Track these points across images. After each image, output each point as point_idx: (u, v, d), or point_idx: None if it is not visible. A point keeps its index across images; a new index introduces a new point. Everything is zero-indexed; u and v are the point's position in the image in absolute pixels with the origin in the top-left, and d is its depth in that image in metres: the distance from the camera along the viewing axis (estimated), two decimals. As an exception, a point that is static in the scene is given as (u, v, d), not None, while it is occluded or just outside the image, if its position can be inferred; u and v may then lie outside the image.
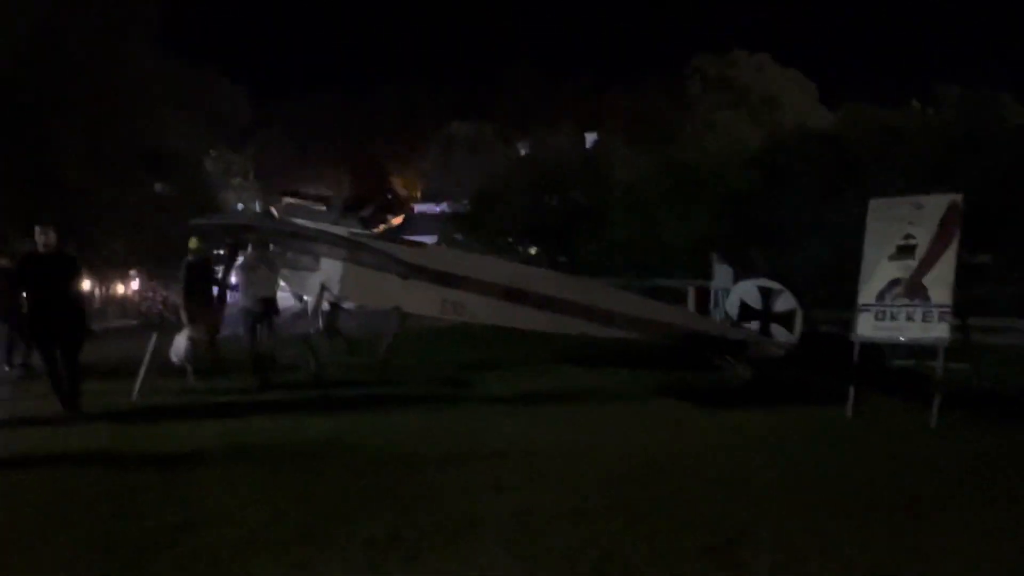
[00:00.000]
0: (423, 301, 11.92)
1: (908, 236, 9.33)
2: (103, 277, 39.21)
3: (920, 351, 10.02)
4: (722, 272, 17.53)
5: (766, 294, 12.20)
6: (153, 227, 34.60)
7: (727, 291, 18.15)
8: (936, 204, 9.23)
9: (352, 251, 11.41)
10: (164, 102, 36.74)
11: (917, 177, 14.31)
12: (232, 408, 10.02)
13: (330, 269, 11.94)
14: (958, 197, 9.10)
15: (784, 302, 12.13)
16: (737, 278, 17.83)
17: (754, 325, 12.09)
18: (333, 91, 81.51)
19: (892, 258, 9.43)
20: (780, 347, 11.83)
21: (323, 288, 11.93)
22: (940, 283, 9.00)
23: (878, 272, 9.52)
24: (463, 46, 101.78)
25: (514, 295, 11.85)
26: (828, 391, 10.77)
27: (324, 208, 64.59)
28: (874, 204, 9.77)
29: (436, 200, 59.96)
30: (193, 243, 12.43)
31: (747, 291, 12.28)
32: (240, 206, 61.36)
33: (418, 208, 75.45)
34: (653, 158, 23.34)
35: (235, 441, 8.26)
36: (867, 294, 9.58)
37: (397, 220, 74.26)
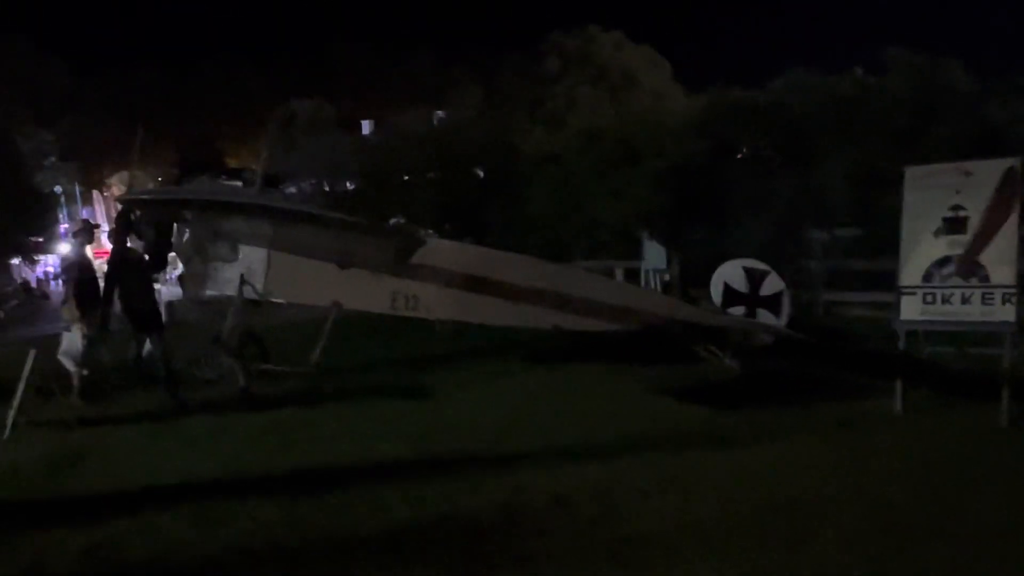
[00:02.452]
0: (368, 295, 9.97)
1: (957, 207, 8.21)
2: None
3: (960, 337, 8.89)
4: (653, 251, 16.48)
5: (752, 275, 11.02)
6: None
7: (658, 271, 17.26)
8: (989, 171, 8.20)
9: (338, 232, 9.63)
10: None
11: (875, 146, 13.59)
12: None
13: (252, 259, 9.72)
14: (1016, 162, 8.00)
15: (771, 284, 11.01)
16: (670, 258, 16.91)
17: (739, 310, 10.96)
18: (155, 66, 75.29)
19: (939, 233, 8.32)
20: (771, 333, 10.70)
21: (243, 282, 9.64)
22: (1001, 260, 7.94)
23: (922, 249, 8.42)
24: (292, 20, 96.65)
25: (477, 285, 10.05)
26: (830, 382, 9.87)
27: (240, 184, 59.29)
28: (911, 172, 8.70)
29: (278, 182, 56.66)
30: (77, 225, 9.86)
31: (731, 273, 11.02)
32: (58, 189, 55.67)
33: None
34: (562, 129, 22.14)
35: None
36: (911, 275, 8.52)
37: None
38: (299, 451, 7.29)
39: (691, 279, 15.83)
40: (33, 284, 49.64)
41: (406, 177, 22.31)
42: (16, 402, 8.17)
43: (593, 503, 5.84)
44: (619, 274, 16.84)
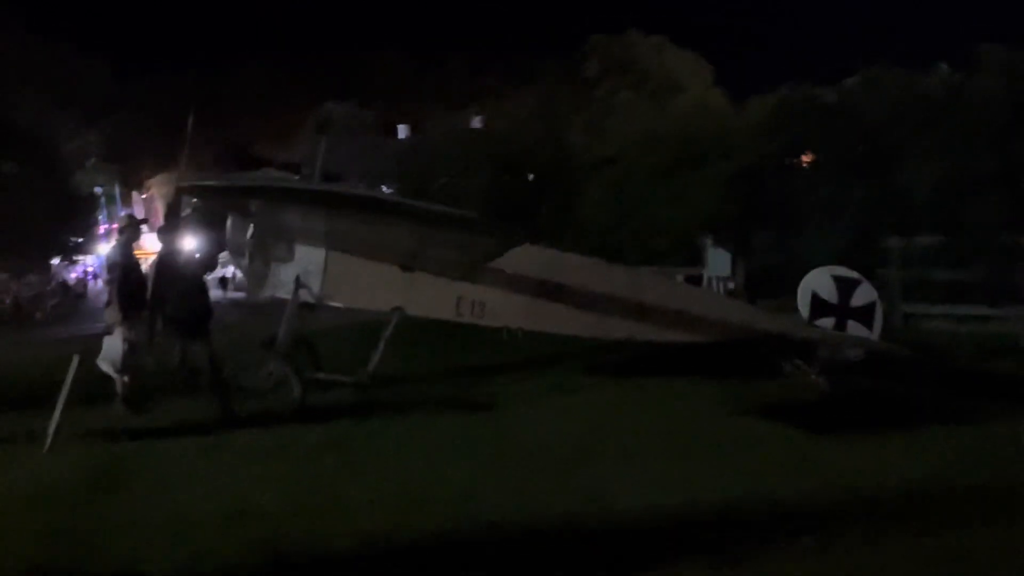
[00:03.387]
0: (432, 301, 9.21)
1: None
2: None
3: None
4: (717, 257, 15.64)
5: (842, 285, 10.11)
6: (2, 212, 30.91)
7: (722, 279, 16.38)
8: None
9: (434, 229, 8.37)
10: (13, 74, 32.24)
11: (965, 149, 12.61)
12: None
13: (308, 260, 8.98)
14: None
15: (864, 294, 10.11)
16: (735, 264, 16.03)
17: (828, 321, 10.07)
18: (195, 71, 75.33)
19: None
20: (864, 348, 9.81)
21: (299, 284, 8.90)
22: None
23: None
24: (329, 27, 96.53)
25: (550, 291, 9.26)
26: (933, 404, 8.85)
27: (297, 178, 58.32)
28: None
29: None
30: (123, 221, 9.11)
31: (820, 281, 10.13)
32: (98, 190, 55.70)
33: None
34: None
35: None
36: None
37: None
38: (364, 473, 6.51)
39: (757, 287, 15.02)
40: (72, 284, 49.70)
41: (444, 180, 21.45)
42: (57, 411, 7.46)
43: (710, 545, 5.03)
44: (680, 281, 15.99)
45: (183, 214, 9.29)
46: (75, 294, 46.30)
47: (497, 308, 9.27)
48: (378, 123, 69.14)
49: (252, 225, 8.82)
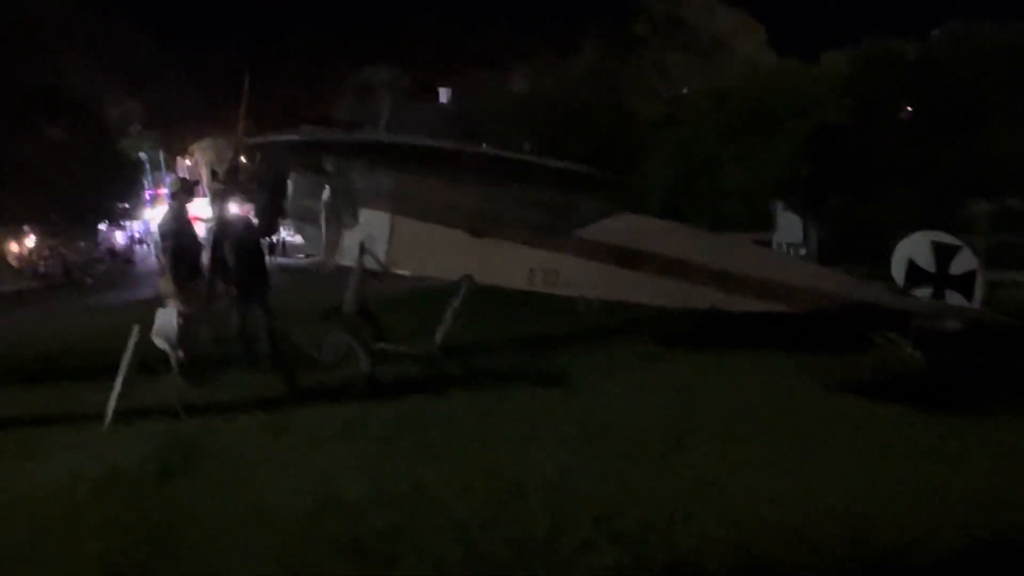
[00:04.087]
0: (503, 269, 8.64)
1: None
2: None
3: None
4: (788, 222, 14.91)
5: (942, 251, 9.36)
6: (50, 178, 30.85)
7: (792, 244, 15.61)
8: None
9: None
10: (58, 39, 32.04)
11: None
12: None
13: (372, 225, 8.42)
14: None
15: (963, 261, 9.35)
16: (807, 229, 15.28)
17: (925, 291, 9.35)
18: (237, 37, 74.93)
19: None
20: (964, 319, 9.08)
21: (363, 251, 8.36)
22: None
23: None
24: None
25: (628, 258, 8.63)
26: None
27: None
28: None
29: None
30: (175, 184, 8.53)
31: (917, 248, 9.39)
32: (143, 155, 55.76)
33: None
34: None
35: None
36: None
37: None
38: (445, 457, 5.95)
39: (830, 253, 14.24)
40: (119, 249, 49.95)
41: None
42: (117, 387, 7.02)
43: (845, 544, 4.45)
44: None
45: (215, 179, 8.72)
46: (123, 259, 46.48)
47: (572, 277, 8.67)
48: (417, 87, 68.30)
49: (323, 187, 8.26)
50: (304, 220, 8.59)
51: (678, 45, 43.71)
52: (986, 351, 9.11)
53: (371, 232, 8.48)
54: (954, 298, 9.30)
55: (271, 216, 8.95)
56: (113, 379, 7.24)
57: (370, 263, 8.48)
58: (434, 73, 70.43)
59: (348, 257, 8.53)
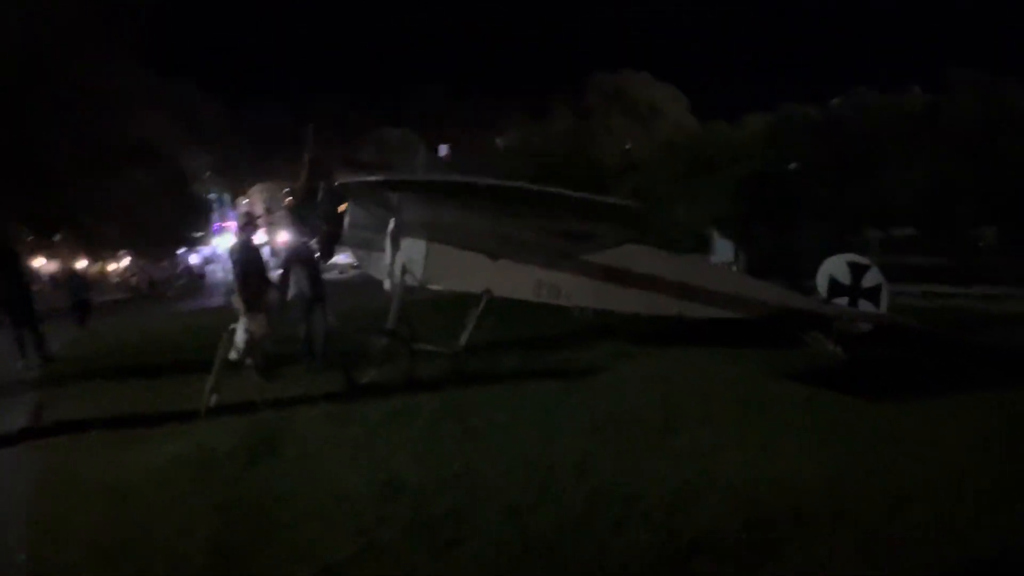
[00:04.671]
0: (515, 283, 8.18)
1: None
2: (96, 257, 33.74)
3: None
4: (722, 246, 14.59)
5: (856, 269, 9.05)
6: (139, 213, 30.55)
7: (727, 264, 15.28)
8: None
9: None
10: (147, 106, 31.54)
11: (942, 158, 11.50)
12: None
13: (412, 249, 7.92)
14: None
15: (872, 277, 9.04)
16: (737, 252, 14.95)
17: (843, 300, 9.02)
18: (284, 102, 74.09)
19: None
20: (878, 322, 8.77)
21: (404, 271, 7.86)
22: None
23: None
24: (382, 68, 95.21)
25: (615, 275, 8.21)
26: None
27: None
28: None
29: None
30: (242, 219, 7.93)
31: (837, 267, 9.07)
32: (212, 196, 54.57)
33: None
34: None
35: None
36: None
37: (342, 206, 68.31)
38: (485, 441, 5.43)
39: (756, 271, 13.95)
40: (193, 268, 48.88)
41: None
42: (211, 381, 6.48)
43: (830, 516, 4.02)
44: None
45: (267, 214, 8.17)
46: (196, 276, 45.52)
47: (570, 290, 8.24)
48: (424, 143, 67.62)
49: (381, 219, 7.70)
50: (357, 246, 8.10)
51: (621, 111, 43.75)
52: (890, 346, 8.85)
53: (411, 255, 7.98)
54: (865, 306, 9.00)
55: (330, 242, 8.43)
56: (198, 373, 6.72)
57: (410, 280, 8.00)
58: (436, 132, 69.99)
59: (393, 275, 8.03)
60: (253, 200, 63.47)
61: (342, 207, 8.48)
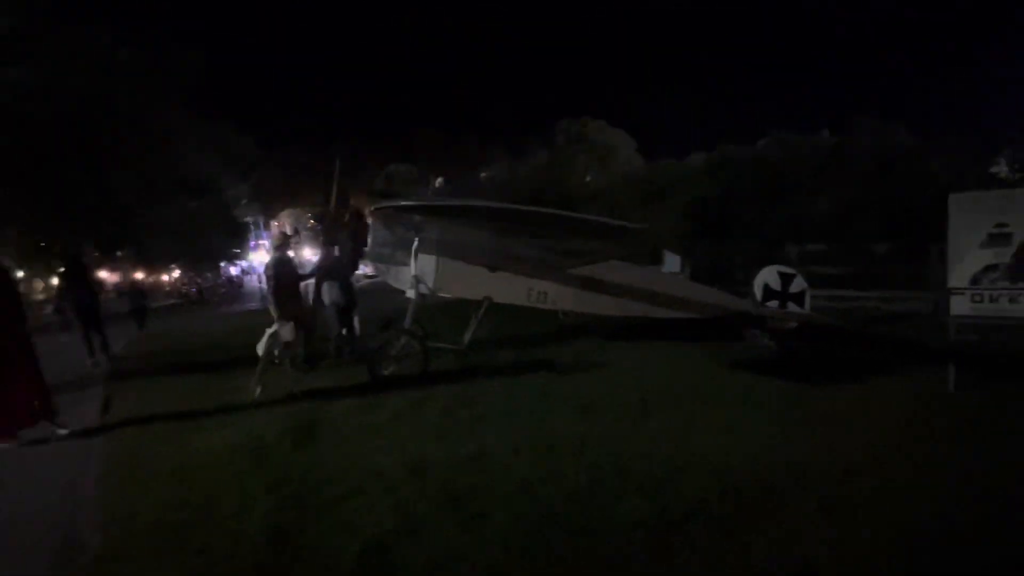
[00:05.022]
0: (510, 291, 7.91)
1: (1001, 225, 6.11)
2: (153, 270, 32.93)
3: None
4: (671, 259, 14.42)
5: (785, 277, 8.95)
6: (189, 233, 30.33)
7: (675, 274, 15.14)
8: (1032, 196, 6.05)
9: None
10: (194, 144, 31.05)
11: (847, 186, 11.55)
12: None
13: (424, 263, 7.64)
14: (1057, 189, 5.94)
15: (798, 283, 8.94)
16: (683, 264, 14.82)
17: (775, 303, 8.91)
18: (306, 140, 73.17)
19: (984, 245, 6.18)
20: (803, 321, 8.67)
21: (418, 281, 7.58)
22: (1048, 267, 5.82)
23: (969, 259, 6.26)
24: (387, 113, 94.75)
25: (593, 284, 8.02)
26: (848, 361, 7.72)
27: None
28: (955, 198, 6.53)
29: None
30: (276, 239, 7.52)
31: (770, 275, 8.96)
32: (249, 219, 53.44)
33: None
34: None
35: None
36: (959, 278, 6.32)
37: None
38: (492, 425, 5.16)
39: (698, 279, 13.84)
40: (234, 279, 47.89)
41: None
42: (258, 374, 6.16)
43: (793, 485, 3.85)
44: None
45: (296, 235, 7.73)
46: (236, 285, 44.63)
47: (556, 296, 8.02)
48: (424, 177, 67.19)
49: (404, 238, 7.40)
50: (379, 260, 7.80)
51: (582, 150, 43.84)
52: (813, 341, 8.74)
53: (424, 268, 7.72)
54: (793, 308, 8.91)
55: (355, 257, 8.13)
56: (242, 368, 6.39)
57: (423, 289, 7.72)
58: (432, 167, 69.53)
59: (407, 286, 7.76)
60: (282, 223, 62.49)
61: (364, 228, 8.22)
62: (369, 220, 7.69)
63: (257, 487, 3.93)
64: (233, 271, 51.69)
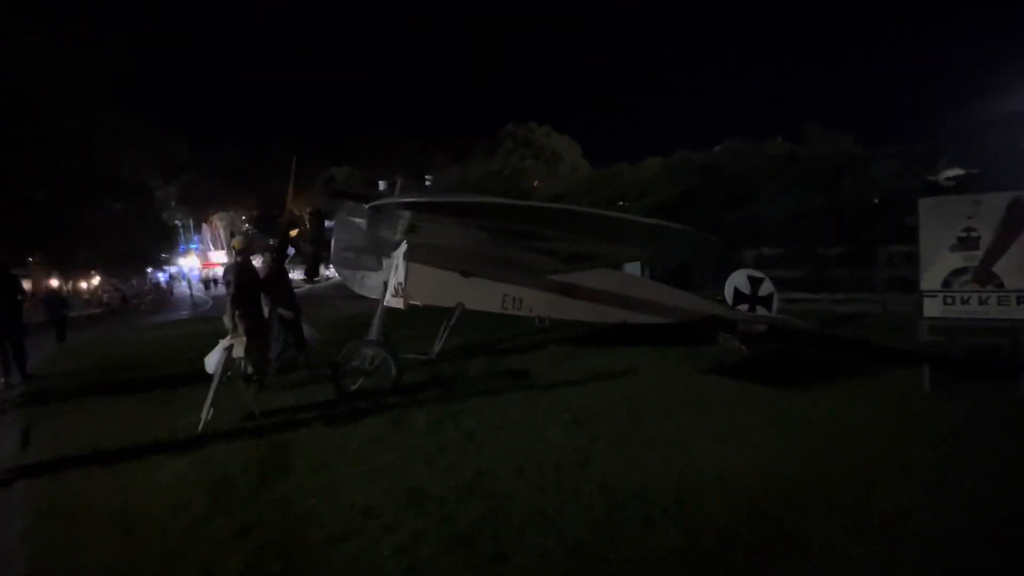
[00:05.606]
0: (484, 297, 7.51)
1: (969, 229, 6.27)
2: (70, 276, 30.24)
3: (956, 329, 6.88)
4: (631, 264, 14.36)
5: (754, 281, 8.98)
6: (111, 237, 28.07)
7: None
8: (997, 200, 6.27)
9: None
10: (119, 142, 28.89)
11: (800, 192, 11.81)
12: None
13: (392, 269, 7.08)
14: (1020, 195, 6.14)
15: (766, 287, 9.01)
16: (643, 268, 14.80)
17: (744, 306, 8.92)
18: (242, 141, 70.01)
19: (953, 249, 6.32)
20: (776, 325, 8.71)
21: (386, 288, 7.03)
22: (1013, 270, 6.00)
23: (940, 262, 6.39)
24: (329, 115, 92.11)
25: (567, 290, 7.72)
26: (825, 363, 7.77)
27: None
28: (924, 202, 6.68)
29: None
30: (238, 242, 6.78)
31: (740, 280, 8.97)
32: (178, 222, 50.28)
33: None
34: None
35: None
36: (930, 281, 6.45)
37: (294, 232, 64.73)
38: (485, 443, 4.72)
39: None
40: (162, 285, 44.78)
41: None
42: (210, 396, 5.41)
43: (818, 500, 3.64)
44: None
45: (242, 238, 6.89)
46: (166, 292, 41.72)
47: (531, 303, 7.68)
48: (366, 181, 65.46)
49: (365, 239, 6.78)
50: (344, 266, 7.15)
51: (530, 156, 43.84)
52: (783, 343, 8.78)
53: (392, 274, 7.16)
54: (762, 311, 8.95)
55: (315, 263, 7.46)
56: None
57: (391, 296, 7.15)
58: (374, 171, 67.96)
59: (375, 292, 7.19)
60: (215, 225, 59.21)
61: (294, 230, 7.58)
62: (333, 222, 7.06)
63: (225, 533, 3.33)
64: (161, 277, 48.40)
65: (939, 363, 6.42)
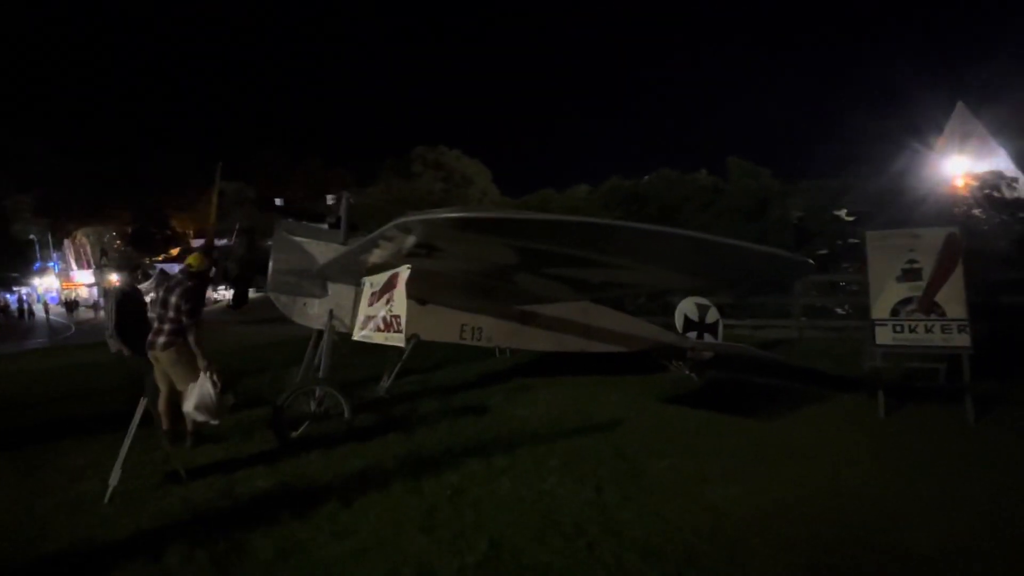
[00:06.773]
0: (441, 327, 6.87)
1: (912, 261, 6.67)
2: None
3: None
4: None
5: (701, 308, 9.06)
6: None
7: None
8: (934, 235, 6.75)
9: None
10: None
11: (725, 220, 12.26)
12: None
13: (340, 296, 6.28)
14: (955, 230, 6.66)
15: (712, 314, 9.12)
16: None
17: (693, 333, 8.94)
18: (117, 151, 63.28)
19: (900, 280, 6.70)
20: (714, 350, 8.76)
21: (332, 317, 6.17)
22: (953, 300, 6.43)
23: (888, 292, 6.74)
24: (224, 129, 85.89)
25: (528, 318, 7.27)
26: (775, 389, 7.92)
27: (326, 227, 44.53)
28: (871, 235, 7.06)
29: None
30: (195, 261, 5.56)
31: (688, 307, 9.00)
32: (32, 237, 43.82)
33: (195, 243, 60.96)
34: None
35: None
36: (880, 310, 6.77)
37: (174, 251, 58.84)
38: (479, 500, 4.06)
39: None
40: (10, 308, 38.47)
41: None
42: (120, 459, 4.25)
43: (852, 539, 3.42)
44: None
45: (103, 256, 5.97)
46: (15, 316, 35.90)
47: (491, 332, 7.13)
48: (259, 198, 61.38)
49: (309, 262, 5.89)
50: (283, 291, 6.16)
51: (440, 179, 43.32)
52: (728, 369, 8.87)
53: (339, 301, 6.31)
54: (709, 338, 9.02)
55: (244, 286, 6.42)
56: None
57: (339, 327, 6.28)
58: (272, 190, 64.10)
59: (319, 322, 6.27)
60: (80, 241, 52.38)
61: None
62: (270, 241, 6.09)
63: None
64: (10, 298, 41.75)
65: (888, 388, 6.67)
